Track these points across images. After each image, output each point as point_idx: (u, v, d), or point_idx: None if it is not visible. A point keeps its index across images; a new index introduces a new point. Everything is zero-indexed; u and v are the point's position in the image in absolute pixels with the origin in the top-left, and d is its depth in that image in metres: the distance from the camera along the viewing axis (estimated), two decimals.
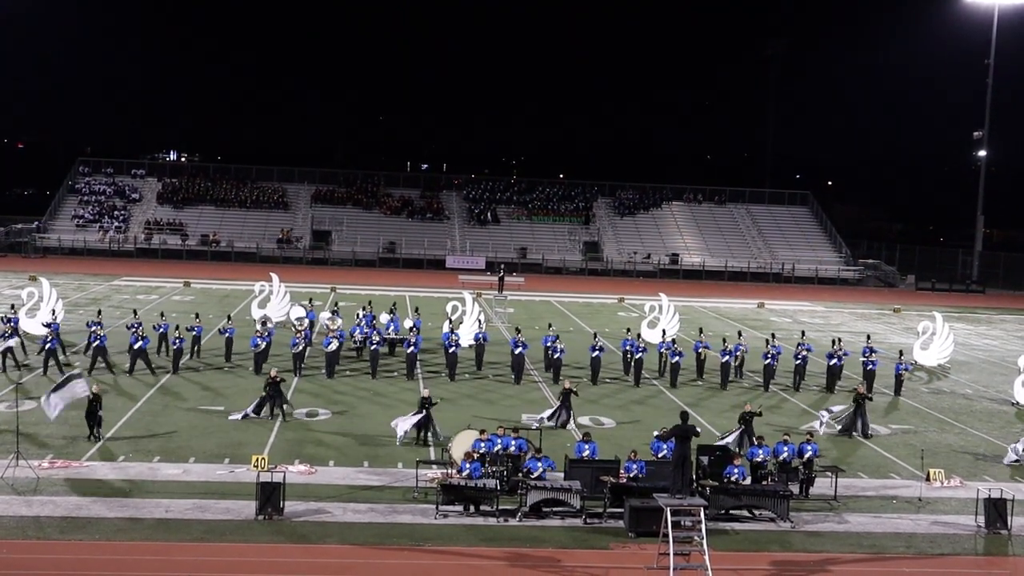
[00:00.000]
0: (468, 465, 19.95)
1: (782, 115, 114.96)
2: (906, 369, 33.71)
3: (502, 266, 62.93)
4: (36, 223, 77.96)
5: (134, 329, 31.41)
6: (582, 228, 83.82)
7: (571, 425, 26.32)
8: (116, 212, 79.67)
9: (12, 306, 34.60)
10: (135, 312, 35.75)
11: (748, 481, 20.31)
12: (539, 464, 19.97)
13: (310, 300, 40.75)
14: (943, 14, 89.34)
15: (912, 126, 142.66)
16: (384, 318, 37.09)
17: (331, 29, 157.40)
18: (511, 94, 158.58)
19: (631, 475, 20.00)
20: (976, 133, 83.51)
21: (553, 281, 70.39)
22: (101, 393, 23.87)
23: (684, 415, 19.60)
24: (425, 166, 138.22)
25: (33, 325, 34.54)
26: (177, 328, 32.06)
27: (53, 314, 34.92)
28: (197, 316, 34.89)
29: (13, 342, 31.10)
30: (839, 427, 27.22)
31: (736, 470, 20.22)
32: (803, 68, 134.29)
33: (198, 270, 65.38)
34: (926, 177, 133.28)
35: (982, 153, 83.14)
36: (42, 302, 36.02)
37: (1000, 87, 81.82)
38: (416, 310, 38.55)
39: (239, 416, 25.87)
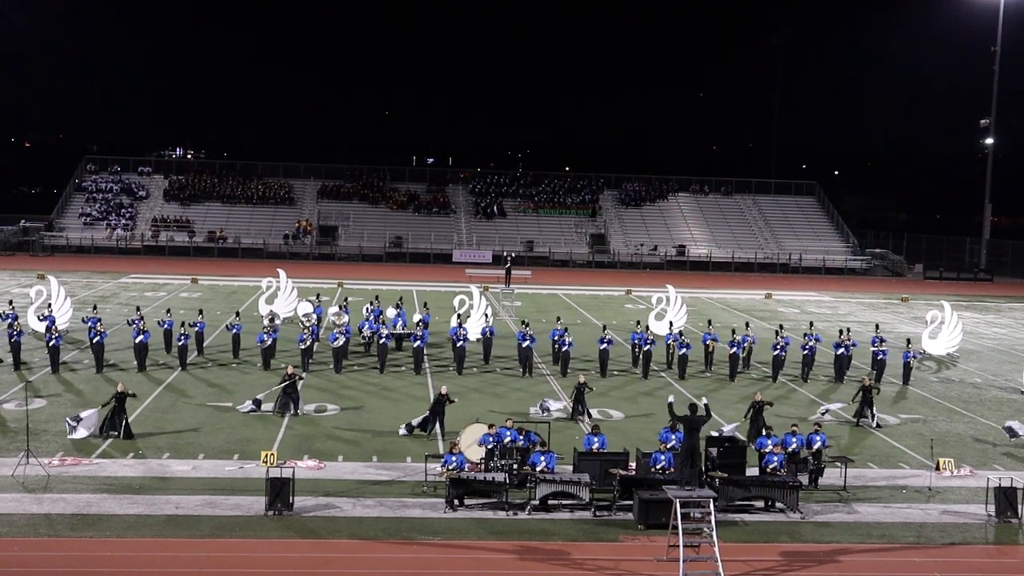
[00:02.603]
0: (453, 458, 19.99)
1: (788, 105, 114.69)
2: (914, 357, 33.58)
3: (509, 257, 62.89)
4: (22, 221, 77.60)
5: (135, 324, 31.46)
6: (588, 221, 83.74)
7: (585, 419, 26.29)
8: (123, 210, 79.80)
9: (10, 302, 34.48)
10: (138, 308, 35.66)
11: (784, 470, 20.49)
12: (542, 458, 19.98)
13: (317, 296, 40.74)
14: (949, 1, 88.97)
15: (918, 115, 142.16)
16: (391, 312, 37.01)
17: (336, 24, 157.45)
18: (516, 87, 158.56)
19: (658, 466, 19.96)
20: (983, 121, 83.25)
21: (560, 274, 70.37)
22: (126, 392, 23.88)
23: (693, 407, 19.55)
24: (431, 160, 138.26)
25: (38, 323, 34.61)
26: (183, 325, 32.13)
27: (49, 307, 34.92)
28: (201, 313, 34.92)
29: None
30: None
31: (776, 458, 20.40)
32: (808, 58, 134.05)
33: (205, 267, 65.49)
34: (933, 166, 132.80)
35: (989, 141, 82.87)
36: (50, 300, 36.12)
37: (1006, 74, 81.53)
38: (425, 304, 38.44)
39: (250, 407, 26.11)
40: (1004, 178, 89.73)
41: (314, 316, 36.20)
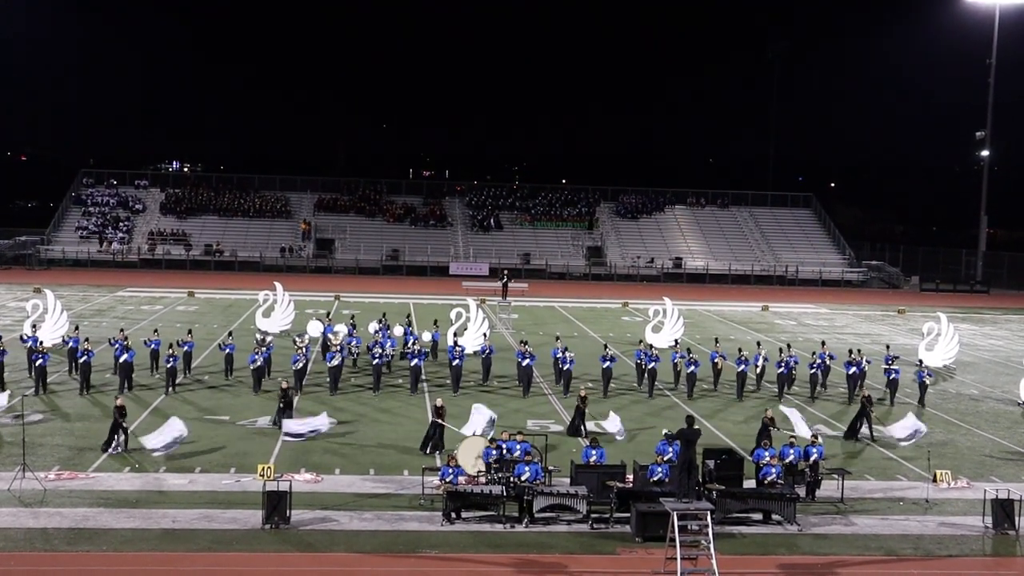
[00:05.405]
0: (450, 470, 19.99)
1: (784, 117, 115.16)
2: (929, 375, 32.70)
3: (505, 272, 62.91)
4: (21, 237, 77.47)
5: (116, 346, 30.12)
6: (585, 233, 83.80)
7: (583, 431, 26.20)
8: (120, 223, 79.78)
9: None
10: (122, 330, 34.26)
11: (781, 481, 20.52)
12: (526, 469, 19.95)
13: (327, 314, 40.27)
14: (944, 14, 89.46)
15: (914, 127, 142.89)
16: (398, 331, 36.52)
17: (333, 38, 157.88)
18: (513, 101, 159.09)
19: (655, 478, 19.93)
20: (978, 133, 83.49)
21: (557, 286, 70.37)
22: (123, 405, 23.82)
23: (690, 419, 19.58)
24: (428, 173, 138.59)
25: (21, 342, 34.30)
26: (171, 346, 30.87)
27: (34, 327, 34.43)
28: (190, 332, 34.51)
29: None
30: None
31: (773, 470, 20.42)
32: (805, 70, 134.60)
33: (202, 280, 65.41)
34: (929, 178, 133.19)
35: (985, 153, 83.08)
36: (47, 314, 36.01)
37: (1002, 87, 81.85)
38: (435, 322, 37.97)
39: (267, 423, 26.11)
40: (1000, 190, 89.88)
41: (307, 337, 35.29)
